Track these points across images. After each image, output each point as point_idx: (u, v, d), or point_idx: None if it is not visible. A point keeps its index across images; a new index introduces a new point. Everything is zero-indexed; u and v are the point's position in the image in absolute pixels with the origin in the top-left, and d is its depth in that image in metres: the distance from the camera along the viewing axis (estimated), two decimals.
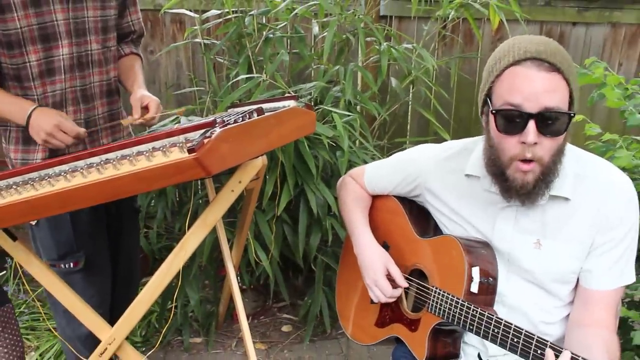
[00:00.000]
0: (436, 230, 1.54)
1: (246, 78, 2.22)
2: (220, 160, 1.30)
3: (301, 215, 2.27)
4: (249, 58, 2.40)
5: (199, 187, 2.58)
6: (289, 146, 2.13)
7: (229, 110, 1.91)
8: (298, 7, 2.40)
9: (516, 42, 1.24)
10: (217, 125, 1.34)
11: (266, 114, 1.51)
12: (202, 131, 1.32)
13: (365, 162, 2.31)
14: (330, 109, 2.18)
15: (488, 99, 1.27)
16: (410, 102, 2.92)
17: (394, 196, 1.62)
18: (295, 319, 2.76)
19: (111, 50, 1.84)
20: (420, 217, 1.58)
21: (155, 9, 2.98)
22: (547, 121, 1.18)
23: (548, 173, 1.24)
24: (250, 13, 2.40)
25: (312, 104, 2.37)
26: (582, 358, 1.11)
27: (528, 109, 1.18)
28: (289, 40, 2.58)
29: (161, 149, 1.29)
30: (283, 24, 2.50)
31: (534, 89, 1.18)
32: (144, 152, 1.30)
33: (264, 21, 2.56)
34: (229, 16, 2.42)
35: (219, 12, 2.47)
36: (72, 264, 1.79)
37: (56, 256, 1.78)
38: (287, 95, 1.74)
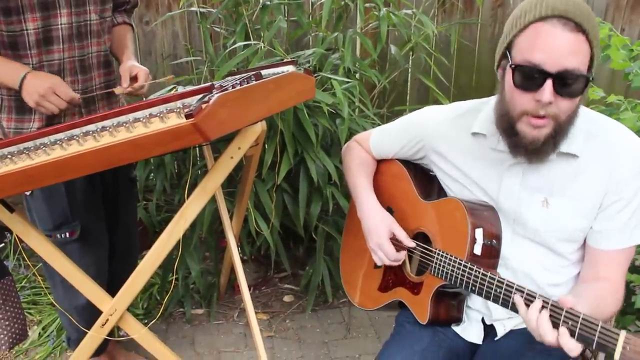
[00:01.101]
0: (440, 194, 1.53)
1: (243, 46, 2.18)
2: (219, 126, 1.28)
3: (301, 184, 2.25)
4: (246, 26, 2.36)
5: (198, 157, 2.55)
6: (288, 114, 2.10)
7: (227, 78, 1.88)
8: None
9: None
10: (214, 90, 1.31)
11: (265, 79, 1.49)
12: (199, 96, 1.29)
13: (366, 130, 2.28)
14: (330, 75, 2.14)
15: (507, 52, 1.23)
16: (410, 70, 2.87)
17: (399, 160, 1.61)
18: (296, 289, 2.76)
19: (107, 21, 1.82)
20: (425, 180, 1.57)
21: None
22: (565, 82, 1.16)
23: (559, 132, 1.22)
24: None
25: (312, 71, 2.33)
26: (553, 301, 1.11)
27: (547, 68, 1.15)
28: (286, 7, 2.52)
29: (158, 115, 1.26)
30: None
31: (556, 48, 1.15)
32: (141, 119, 1.27)
33: None
34: None
35: None
36: (68, 234, 1.78)
37: (52, 226, 1.77)
38: (285, 60, 1.70)
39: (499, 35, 1.32)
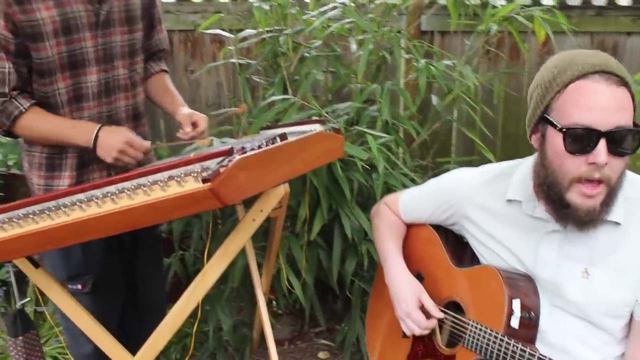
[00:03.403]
0: (473, 261, 1.45)
1: (276, 101, 2.18)
2: (238, 190, 1.25)
3: (335, 241, 2.19)
4: (284, 78, 2.35)
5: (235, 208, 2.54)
6: (321, 169, 2.06)
7: (253, 136, 1.87)
8: (333, 24, 2.34)
9: (574, 55, 1.16)
10: (235, 153, 1.28)
11: (290, 139, 1.46)
12: (218, 160, 1.27)
13: (404, 185, 2.22)
14: (365, 130, 2.10)
15: (546, 116, 1.17)
16: (454, 121, 2.80)
17: (430, 224, 1.54)
18: (332, 345, 2.67)
19: (138, 73, 1.83)
20: (457, 246, 1.49)
21: (195, 30, 2.97)
22: (618, 140, 1.10)
23: (612, 196, 1.15)
24: (285, 32, 2.35)
25: (348, 124, 2.30)
26: None
27: (599, 127, 1.09)
28: (326, 59, 2.52)
29: (176, 178, 1.24)
30: (319, 43, 2.44)
31: (605, 105, 1.10)
32: (159, 182, 1.25)
33: (301, 40, 2.51)
34: (264, 35, 2.38)
35: (254, 31, 2.43)
36: (79, 286, 1.77)
37: (64, 277, 1.76)
38: (314, 118, 1.68)
39: None
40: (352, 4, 2.29)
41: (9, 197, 2.77)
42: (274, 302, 2.60)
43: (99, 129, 1.63)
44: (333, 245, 2.22)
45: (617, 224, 1.19)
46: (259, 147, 1.36)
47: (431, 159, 2.85)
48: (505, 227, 1.33)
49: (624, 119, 1.10)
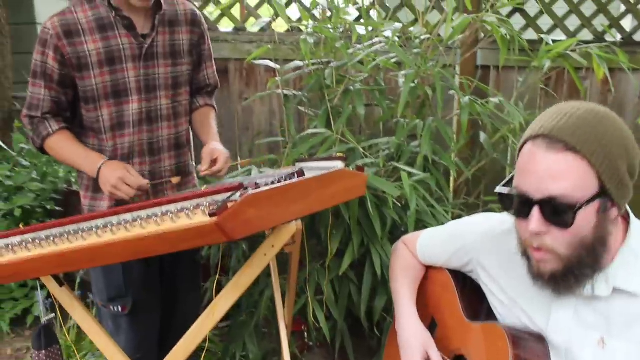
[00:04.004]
0: (489, 314, 1.37)
1: (314, 134, 2.19)
2: (245, 226, 1.25)
3: (366, 276, 2.16)
4: (328, 110, 2.37)
5: None
6: (353, 203, 2.05)
7: (286, 168, 1.88)
8: (379, 57, 2.34)
9: (548, 113, 1.10)
10: (246, 188, 1.30)
11: (308, 175, 1.46)
12: (227, 194, 1.28)
13: (441, 223, 2.16)
14: (400, 166, 2.07)
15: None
16: (499, 158, 2.71)
17: (448, 269, 1.48)
18: None
19: (182, 105, 1.89)
20: (473, 297, 1.42)
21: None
22: (553, 211, 1.03)
23: (572, 267, 1.07)
24: (330, 65, 2.37)
25: (389, 159, 2.27)
26: None
27: (532, 194, 1.04)
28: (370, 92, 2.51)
29: (186, 210, 1.27)
30: (364, 76, 2.44)
31: (538, 172, 1.04)
32: (170, 213, 1.28)
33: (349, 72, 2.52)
34: (310, 68, 2.41)
35: (301, 63, 2.47)
36: (120, 308, 1.83)
37: (106, 299, 1.84)
38: (338, 155, 1.67)
39: None
40: (397, 39, 2.27)
41: (68, 212, 2.92)
42: (305, 334, 2.59)
43: (103, 162, 1.72)
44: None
45: (636, 296, 1.10)
46: (273, 182, 1.37)
47: (476, 198, 2.77)
48: (519, 283, 1.25)
49: (561, 189, 1.02)
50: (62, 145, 1.77)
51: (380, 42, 2.31)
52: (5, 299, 2.57)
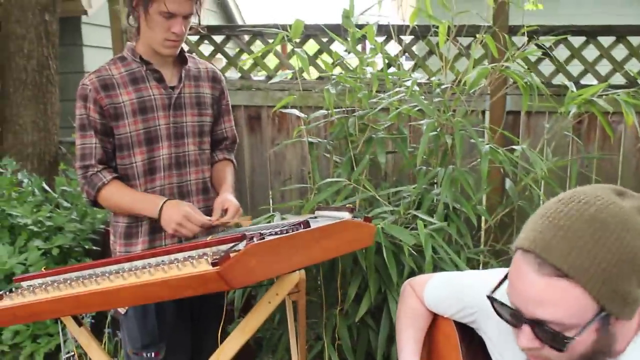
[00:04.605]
0: None
1: (330, 182, 2.24)
2: (246, 275, 1.31)
3: (383, 322, 2.16)
4: (351, 158, 2.42)
5: None
6: (370, 251, 2.07)
7: (304, 216, 1.93)
8: (403, 105, 2.38)
9: (543, 219, 0.96)
10: (250, 238, 1.35)
11: (315, 225, 1.50)
12: (230, 245, 1.34)
13: (458, 268, 2.14)
14: (418, 214, 2.08)
15: None
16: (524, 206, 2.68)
17: (454, 320, 1.46)
18: None
19: (206, 153, 2.01)
20: (478, 354, 1.38)
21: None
22: (544, 333, 0.95)
23: None
24: (354, 114, 2.44)
25: (409, 207, 2.29)
26: None
27: (523, 312, 0.96)
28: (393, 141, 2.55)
29: (191, 259, 1.33)
30: (387, 124, 2.49)
31: (528, 295, 0.95)
32: (176, 261, 1.35)
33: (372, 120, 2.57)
34: (334, 117, 2.48)
35: (325, 112, 2.54)
36: (153, 354, 1.89)
37: (140, 346, 1.89)
38: (345, 205, 1.71)
39: None
40: (417, 87, 2.32)
41: (104, 252, 3.03)
42: None
43: (165, 202, 1.80)
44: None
45: None
46: (277, 232, 1.42)
47: (503, 244, 2.73)
48: (514, 355, 1.19)
49: (552, 316, 0.93)
50: (117, 192, 1.86)
51: (399, 93, 2.35)
52: (41, 334, 2.68)
